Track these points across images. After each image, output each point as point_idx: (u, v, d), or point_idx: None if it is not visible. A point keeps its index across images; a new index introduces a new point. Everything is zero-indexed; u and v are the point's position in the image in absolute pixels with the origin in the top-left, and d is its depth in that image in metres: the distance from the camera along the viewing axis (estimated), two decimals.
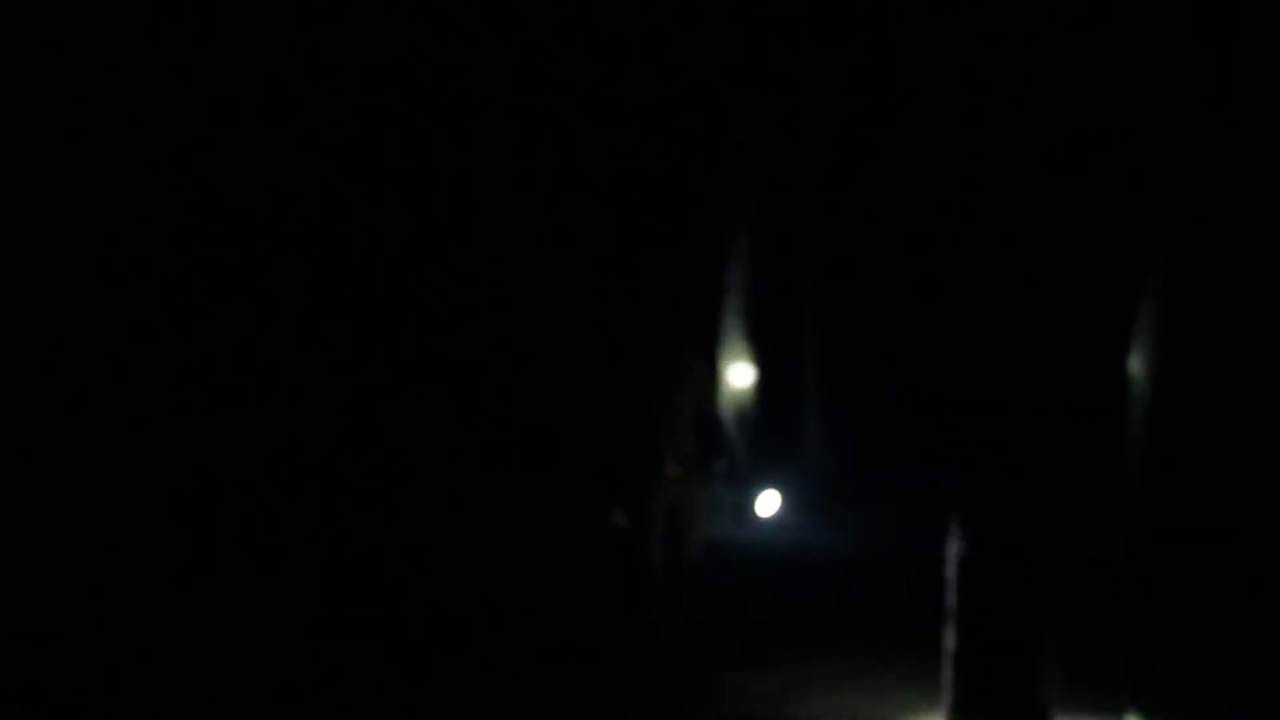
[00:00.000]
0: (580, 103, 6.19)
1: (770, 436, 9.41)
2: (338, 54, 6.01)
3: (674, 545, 5.24)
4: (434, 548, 6.39)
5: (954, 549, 4.43)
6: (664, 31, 6.42)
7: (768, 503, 5.71)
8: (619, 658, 5.49)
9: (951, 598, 4.42)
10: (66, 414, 5.71)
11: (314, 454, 5.84)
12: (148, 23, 5.88)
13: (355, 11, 6.02)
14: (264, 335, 5.74)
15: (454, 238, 6.01)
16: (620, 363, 5.27)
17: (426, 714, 5.04)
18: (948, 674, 4.44)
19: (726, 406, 8.45)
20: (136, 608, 5.77)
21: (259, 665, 5.43)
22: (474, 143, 6.03)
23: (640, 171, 6.73)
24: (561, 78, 6.15)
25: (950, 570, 4.46)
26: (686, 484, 5.29)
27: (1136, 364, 8.44)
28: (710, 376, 5.60)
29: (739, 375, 9.13)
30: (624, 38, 6.28)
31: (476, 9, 6.07)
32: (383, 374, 5.79)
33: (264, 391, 5.71)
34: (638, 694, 5.19)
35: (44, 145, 5.82)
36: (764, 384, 9.78)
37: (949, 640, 4.44)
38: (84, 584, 5.74)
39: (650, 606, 5.29)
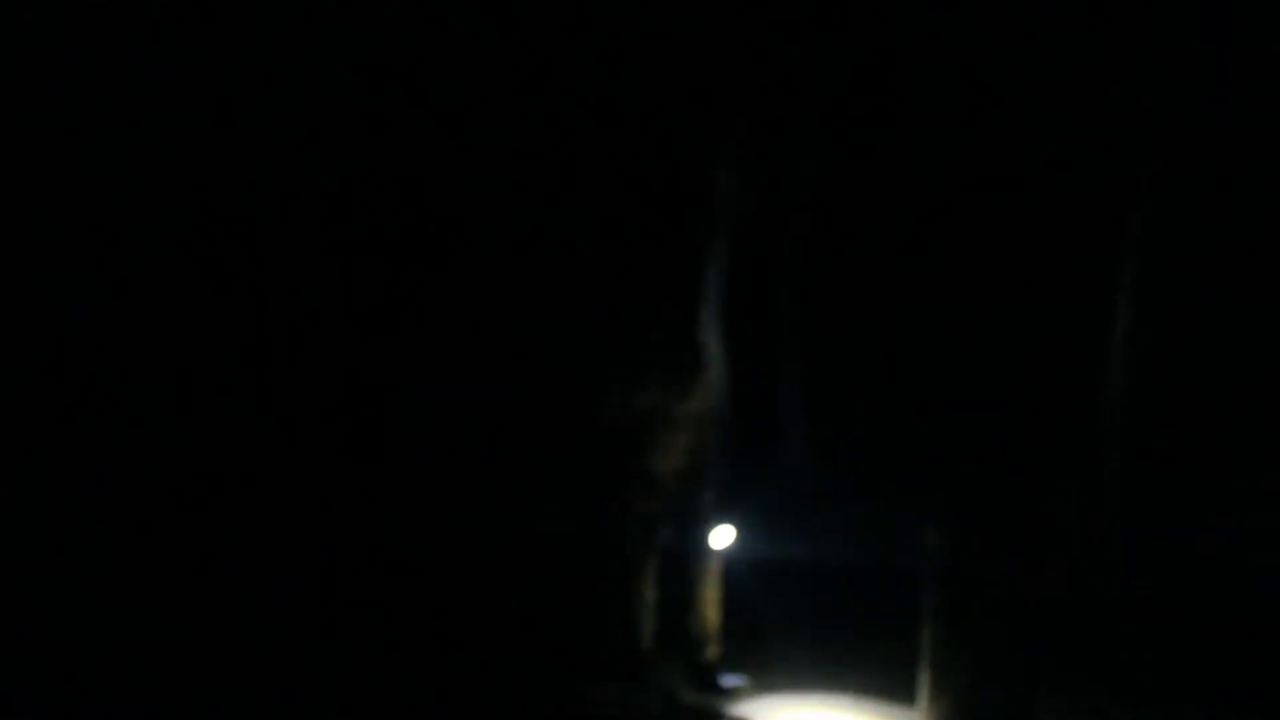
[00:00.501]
0: (567, 105, 6.16)
1: (747, 440, 9.40)
2: (325, 51, 5.98)
3: (682, 553, 5.19)
4: (424, 548, 6.36)
5: (933, 551, 4.41)
6: (646, 31, 6.39)
7: (722, 536, 5.66)
8: (596, 660, 5.50)
9: (929, 599, 4.41)
10: (66, 414, 5.69)
11: (309, 455, 5.84)
12: (147, 22, 5.86)
13: (341, 9, 5.99)
14: (259, 335, 5.73)
15: (448, 240, 5.99)
16: (618, 365, 5.23)
17: (398, 711, 5.05)
18: (924, 675, 4.43)
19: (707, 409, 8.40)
20: (135, 607, 5.74)
21: (254, 665, 5.41)
22: (465, 144, 6.02)
23: (630, 173, 6.71)
24: (547, 78, 6.12)
25: (928, 572, 4.45)
26: (685, 489, 5.25)
27: (1118, 366, 8.46)
28: (707, 380, 5.49)
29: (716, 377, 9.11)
30: (604, 36, 6.24)
31: (458, 7, 6.04)
32: (375, 376, 5.78)
33: (258, 392, 5.70)
34: (607, 694, 5.20)
35: (43, 145, 5.81)
36: (741, 387, 9.77)
37: (926, 641, 4.43)
38: (83, 584, 5.72)
39: (634, 611, 5.26)
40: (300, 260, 5.80)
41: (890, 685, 5.13)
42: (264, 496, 5.75)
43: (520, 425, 5.54)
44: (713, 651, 5.26)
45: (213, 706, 5.09)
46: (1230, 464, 9.01)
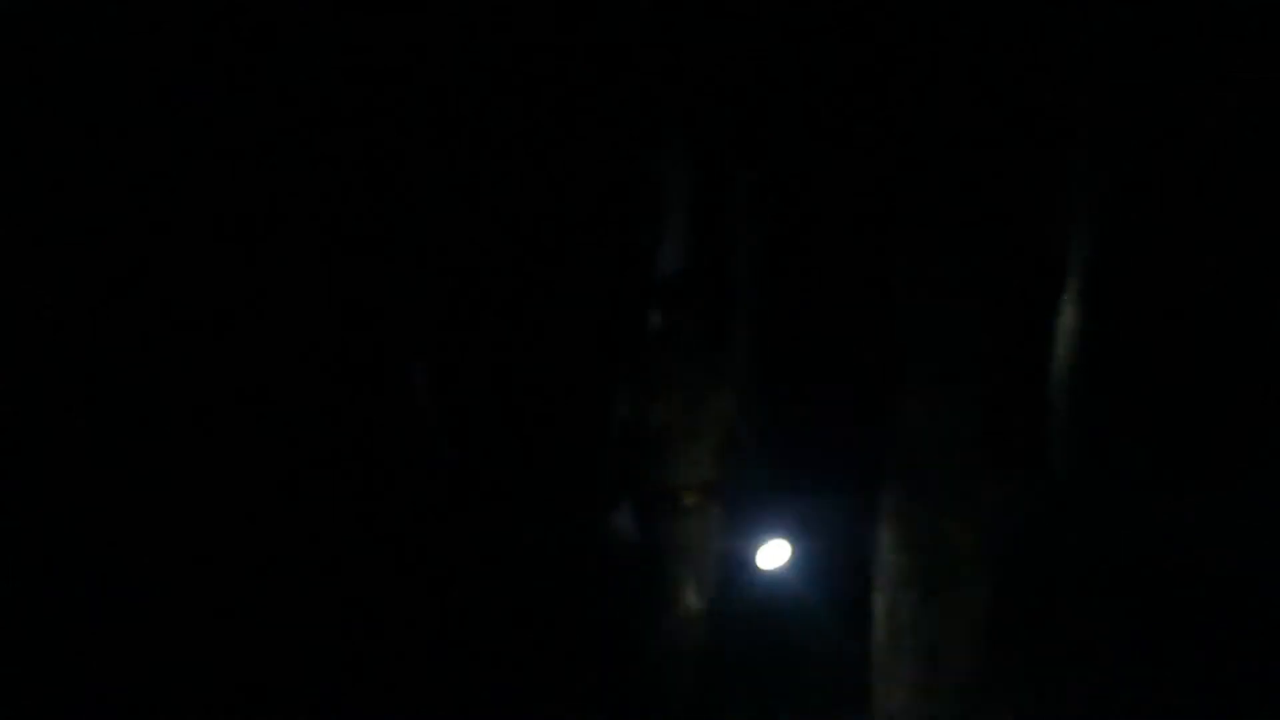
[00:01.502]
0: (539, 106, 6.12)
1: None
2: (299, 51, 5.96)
3: (688, 576, 4.93)
4: (423, 555, 6.43)
5: (882, 550, 4.40)
6: (587, 26, 6.27)
7: (774, 553, 5.31)
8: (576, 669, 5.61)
9: (879, 599, 4.31)
10: (68, 414, 5.74)
11: (311, 457, 5.88)
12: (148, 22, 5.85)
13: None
14: (254, 341, 5.78)
15: (451, 240, 6.00)
16: (633, 372, 5.05)
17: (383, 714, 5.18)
18: (873, 676, 4.46)
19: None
20: (135, 607, 5.79)
21: (252, 666, 5.49)
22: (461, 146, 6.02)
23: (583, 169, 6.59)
24: (498, 74, 6.05)
25: (878, 572, 4.44)
26: (705, 512, 5.02)
27: (1061, 365, 8.45)
28: (733, 390, 5.25)
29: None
30: (543, 32, 6.16)
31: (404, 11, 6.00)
32: (378, 379, 5.83)
33: (254, 400, 5.75)
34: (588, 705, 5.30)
35: (45, 145, 5.83)
36: None
37: (876, 644, 4.33)
38: (85, 584, 5.77)
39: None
40: (292, 263, 5.83)
41: (840, 688, 5.14)
42: (256, 501, 5.81)
43: (527, 434, 5.51)
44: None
45: (207, 707, 5.14)
46: (1196, 463, 9.06)
